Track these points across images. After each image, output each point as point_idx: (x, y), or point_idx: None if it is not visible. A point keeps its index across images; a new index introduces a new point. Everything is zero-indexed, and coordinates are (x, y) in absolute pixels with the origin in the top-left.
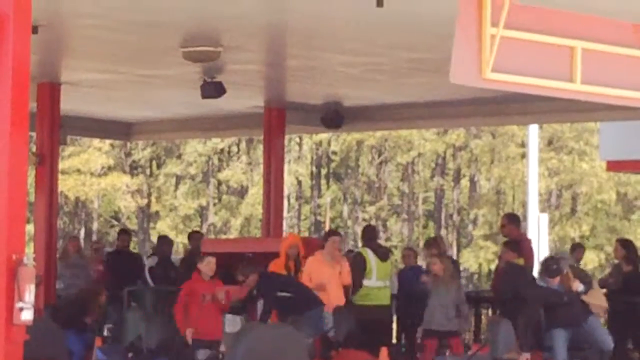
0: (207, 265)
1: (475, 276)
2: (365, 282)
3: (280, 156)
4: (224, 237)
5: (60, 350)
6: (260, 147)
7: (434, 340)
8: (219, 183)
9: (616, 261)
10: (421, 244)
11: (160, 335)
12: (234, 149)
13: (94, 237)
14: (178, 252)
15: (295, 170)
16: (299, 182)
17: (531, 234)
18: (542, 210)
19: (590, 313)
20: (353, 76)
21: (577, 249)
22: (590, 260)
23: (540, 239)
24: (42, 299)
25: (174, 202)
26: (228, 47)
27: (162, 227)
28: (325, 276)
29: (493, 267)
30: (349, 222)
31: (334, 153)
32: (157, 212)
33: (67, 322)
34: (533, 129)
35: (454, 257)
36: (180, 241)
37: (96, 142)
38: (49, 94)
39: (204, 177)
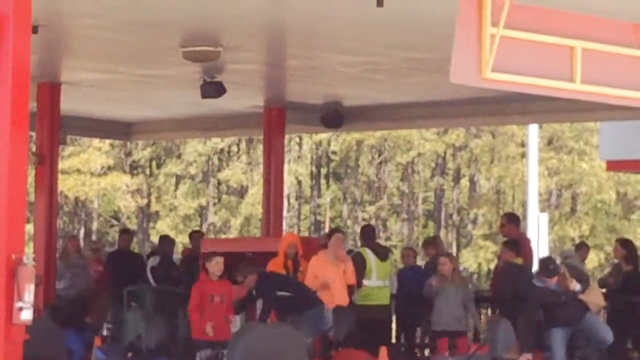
0: (216, 265)
1: (475, 276)
2: (365, 282)
3: (280, 156)
4: (223, 236)
5: (59, 349)
6: (260, 146)
7: (444, 339)
8: (219, 183)
9: (616, 261)
10: (421, 243)
11: (160, 335)
12: (234, 148)
13: (94, 237)
14: (177, 252)
15: (295, 170)
16: (299, 182)
17: (531, 234)
18: (542, 210)
19: (588, 310)
20: (353, 76)
21: (582, 248)
22: (590, 260)
23: (540, 239)
24: (41, 299)
25: (173, 202)
26: (228, 47)
27: (162, 227)
28: (329, 275)
29: (493, 266)
30: (349, 222)
31: (334, 153)
32: (156, 212)
33: (67, 322)
34: (533, 129)
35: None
36: (180, 241)
37: (96, 142)
38: (49, 94)
39: (203, 177)
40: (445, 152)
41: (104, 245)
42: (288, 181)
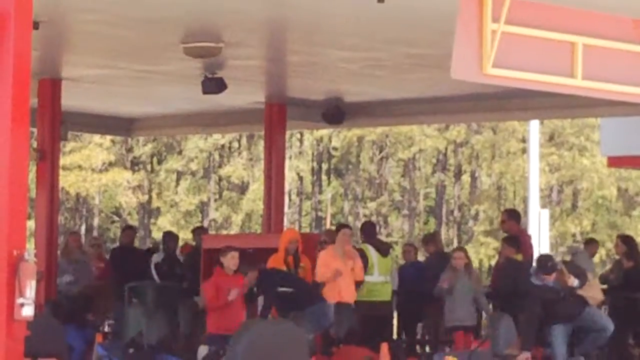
0: (231, 259)
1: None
2: (368, 278)
3: (281, 152)
4: (225, 233)
5: (60, 346)
6: (261, 142)
7: (460, 334)
8: (220, 179)
9: (617, 257)
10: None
11: (161, 332)
12: (235, 144)
13: (95, 233)
14: None
15: (296, 166)
16: (300, 178)
17: (532, 230)
18: (543, 206)
19: (587, 305)
20: (354, 72)
21: (591, 244)
22: None
23: (541, 235)
24: (42, 295)
25: (174, 198)
26: (229, 43)
27: (163, 223)
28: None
29: (494, 263)
30: (350, 218)
31: (335, 149)
32: (158, 208)
33: (68, 318)
34: (534, 125)
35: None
36: (181, 237)
37: (97, 138)
38: (50, 90)
39: (205, 173)
40: (446, 148)
41: (105, 242)
42: (289, 177)
